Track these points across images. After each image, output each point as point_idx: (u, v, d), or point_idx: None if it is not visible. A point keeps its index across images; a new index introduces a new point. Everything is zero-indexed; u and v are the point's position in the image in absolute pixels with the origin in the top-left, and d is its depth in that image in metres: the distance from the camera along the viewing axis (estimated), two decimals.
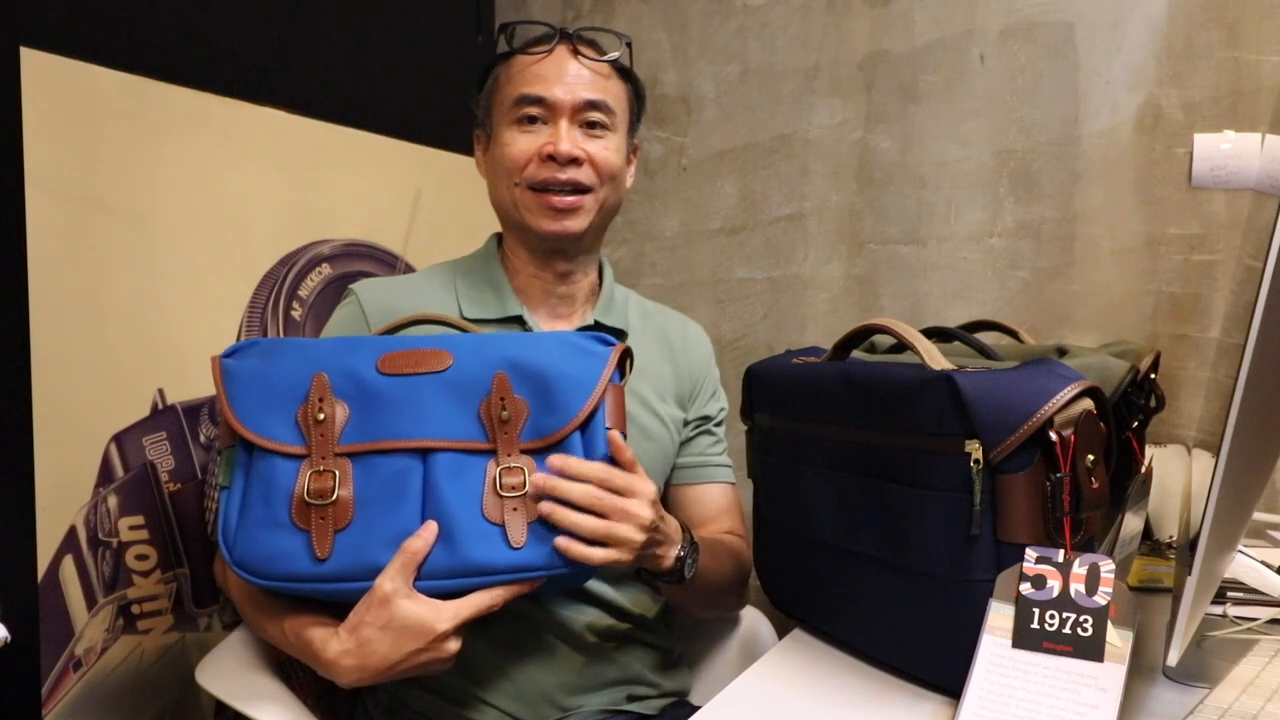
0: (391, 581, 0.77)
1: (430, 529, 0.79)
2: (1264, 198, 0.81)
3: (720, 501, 1.13)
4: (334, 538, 0.79)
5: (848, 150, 1.51)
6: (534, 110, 0.99)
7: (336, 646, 0.79)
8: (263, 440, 0.81)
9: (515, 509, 0.80)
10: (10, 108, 1.04)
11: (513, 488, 0.80)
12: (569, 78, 1.00)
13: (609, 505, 0.81)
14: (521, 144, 0.99)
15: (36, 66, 1.06)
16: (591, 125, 1.01)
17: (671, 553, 0.88)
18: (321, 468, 0.80)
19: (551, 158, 0.98)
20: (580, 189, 1.00)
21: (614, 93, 1.03)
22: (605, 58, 1.03)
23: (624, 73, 1.06)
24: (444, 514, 0.79)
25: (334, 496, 0.79)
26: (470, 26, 1.75)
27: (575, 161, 0.99)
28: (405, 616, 0.77)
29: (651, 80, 1.68)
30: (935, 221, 1.44)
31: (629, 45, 1.05)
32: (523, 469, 0.81)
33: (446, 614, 0.78)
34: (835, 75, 1.52)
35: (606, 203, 1.03)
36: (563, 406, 0.83)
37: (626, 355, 0.89)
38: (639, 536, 0.82)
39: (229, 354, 0.86)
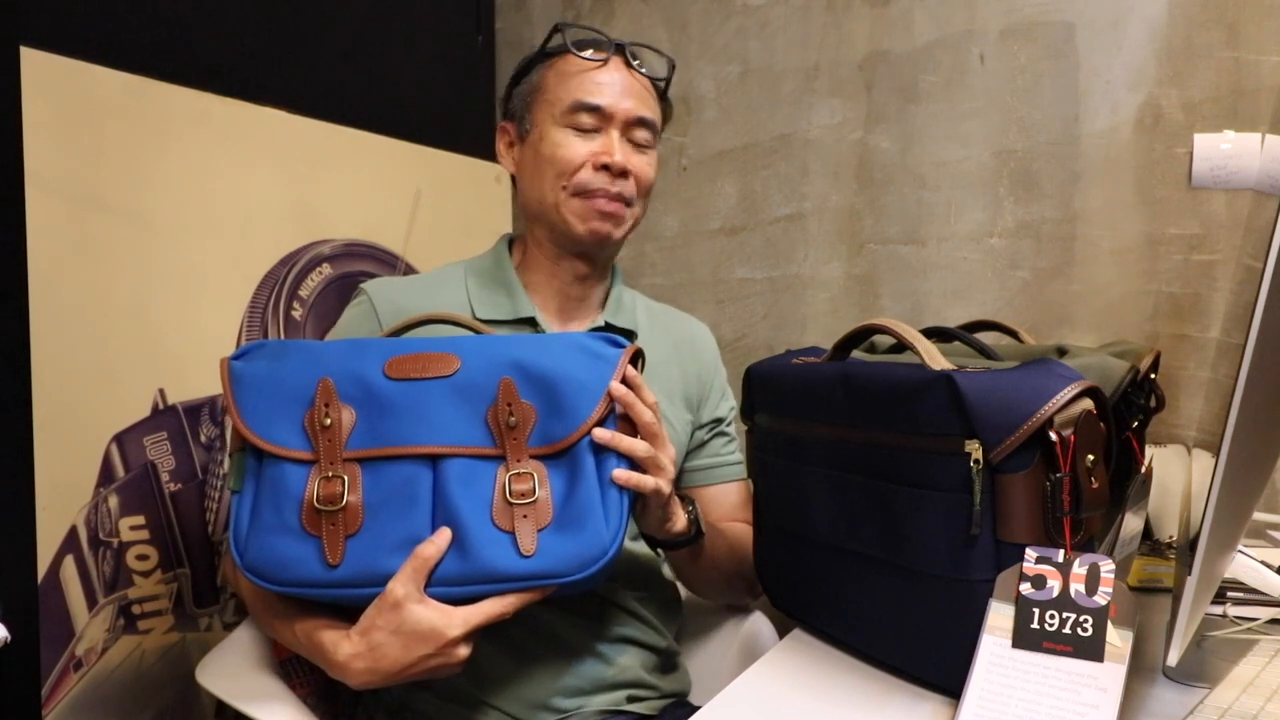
0: (403, 586, 0.77)
1: (444, 535, 0.79)
2: (1264, 198, 0.81)
3: (735, 498, 1.15)
4: (345, 544, 0.79)
5: (848, 150, 1.51)
6: (589, 119, 1.01)
7: (348, 649, 0.79)
8: (271, 446, 0.81)
9: (525, 516, 0.80)
10: (10, 108, 1.04)
11: (522, 495, 0.80)
12: (624, 90, 1.02)
13: (655, 432, 0.85)
14: (575, 148, 1.01)
15: (36, 66, 1.06)
16: (637, 141, 1.03)
17: (681, 510, 0.92)
18: (330, 474, 0.80)
19: (605, 168, 1.00)
20: (624, 200, 1.02)
21: (657, 112, 1.06)
22: (656, 77, 1.06)
23: (662, 94, 1.09)
24: (455, 521, 0.79)
25: (343, 502, 0.79)
26: (470, 26, 1.75)
27: (624, 174, 1.01)
28: (416, 621, 0.77)
29: None
30: (935, 221, 1.44)
31: (673, 66, 1.08)
32: (532, 475, 0.81)
33: (457, 620, 0.78)
34: (835, 75, 1.52)
35: (639, 216, 1.07)
36: (571, 412, 0.82)
37: (638, 356, 0.89)
38: (672, 470, 0.87)
39: (237, 356, 0.86)
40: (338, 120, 1.43)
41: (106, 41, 1.15)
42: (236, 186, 1.29)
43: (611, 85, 1.01)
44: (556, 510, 0.81)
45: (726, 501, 1.14)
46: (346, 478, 0.80)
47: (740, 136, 1.61)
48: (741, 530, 1.09)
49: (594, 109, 1.01)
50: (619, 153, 1.00)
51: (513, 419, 0.82)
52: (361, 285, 1.05)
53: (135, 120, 1.17)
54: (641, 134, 1.03)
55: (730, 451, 1.17)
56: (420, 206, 1.58)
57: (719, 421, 1.16)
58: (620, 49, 1.04)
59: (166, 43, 1.22)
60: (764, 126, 1.58)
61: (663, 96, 1.09)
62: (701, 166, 1.65)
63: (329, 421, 0.81)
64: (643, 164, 1.03)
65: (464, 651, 0.79)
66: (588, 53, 1.03)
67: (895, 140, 1.47)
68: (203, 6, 1.27)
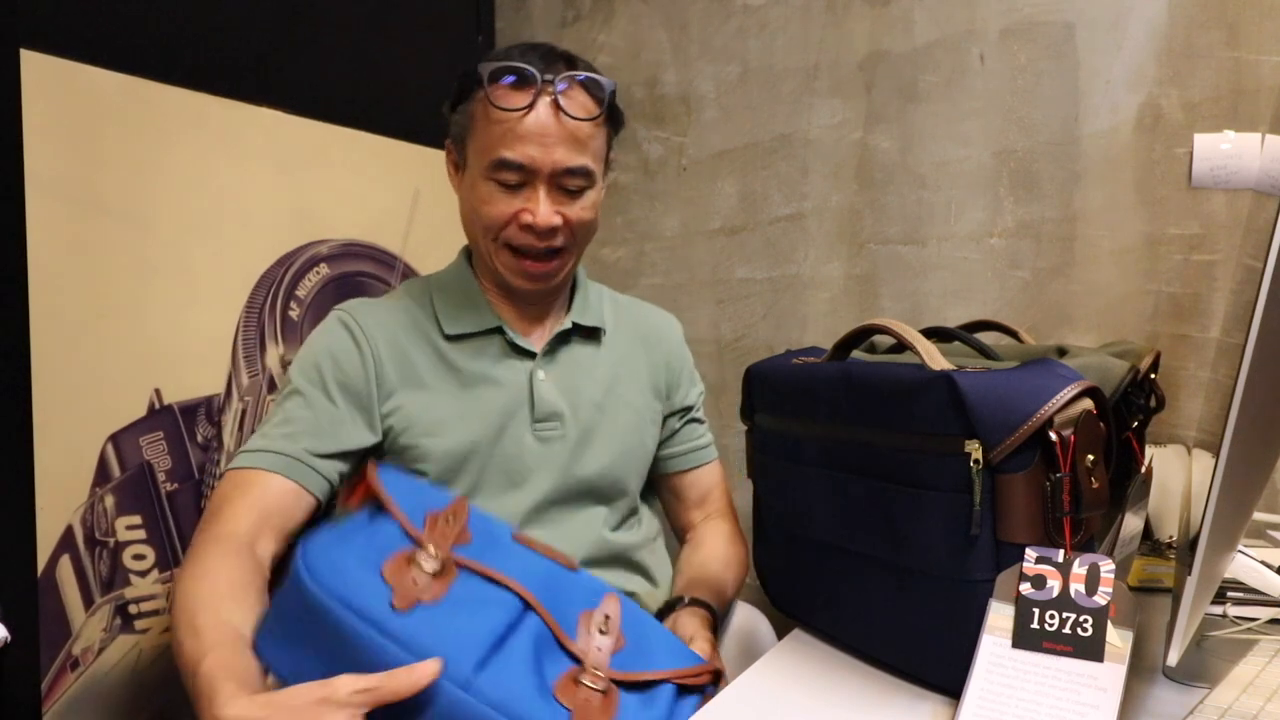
0: (352, 694, 0.66)
1: (434, 665, 0.68)
2: (1264, 198, 0.81)
3: (712, 477, 1.22)
4: (416, 604, 0.73)
5: (848, 150, 1.51)
6: (513, 175, 0.97)
7: (239, 712, 0.67)
8: (394, 506, 0.80)
9: (587, 698, 0.75)
10: (10, 109, 1.04)
11: (579, 683, 0.76)
12: (550, 139, 0.96)
13: None
14: (500, 206, 0.98)
15: (37, 68, 1.06)
16: (570, 187, 0.99)
17: (707, 639, 0.95)
18: (431, 553, 0.77)
19: (529, 227, 0.98)
20: (555, 253, 1.01)
21: (594, 149, 1.00)
22: (588, 118, 0.98)
23: (609, 107, 1.02)
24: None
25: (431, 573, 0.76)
26: (470, 26, 1.75)
27: (552, 230, 0.99)
28: None
29: (651, 80, 1.68)
30: (935, 221, 1.44)
31: (613, 92, 1.00)
32: (594, 688, 0.76)
33: None
34: (835, 75, 1.51)
35: (582, 247, 1.06)
36: (653, 660, 0.82)
37: (718, 678, 0.88)
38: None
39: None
40: (337, 120, 1.43)
41: (106, 44, 1.15)
42: (234, 187, 1.29)
43: (540, 135, 0.95)
44: None
45: (705, 482, 1.20)
46: (443, 562, 0.77)
47: (740, 136, 1.61)
48: (720, 548, 1.13)
49: (516, 166, 0.96)
50: (543, 212, 0.97)
51: (604, 631, 0.81)
52: (334, 313, 1.04)
53: (134, 122, 1.17)
54: (574, 183, 0.98)
55: (702, 434, 1.22)
56: (419, 206, 1.57)
57: (689, 409, 1.20)
58: (549, 86, 0.95)
59: (165, 45, 1.22)
60: (764, 126, 1.58)
61: (610, 111, 1.02)
62: (701, 166, 1.64)
63: (449, 520, 0.81)
64: (576, 210, 0.99)
65: None
66: (510, 102, 0.95)
67: (895, 140, 1.47)
68: (202, 8, 1.27)
